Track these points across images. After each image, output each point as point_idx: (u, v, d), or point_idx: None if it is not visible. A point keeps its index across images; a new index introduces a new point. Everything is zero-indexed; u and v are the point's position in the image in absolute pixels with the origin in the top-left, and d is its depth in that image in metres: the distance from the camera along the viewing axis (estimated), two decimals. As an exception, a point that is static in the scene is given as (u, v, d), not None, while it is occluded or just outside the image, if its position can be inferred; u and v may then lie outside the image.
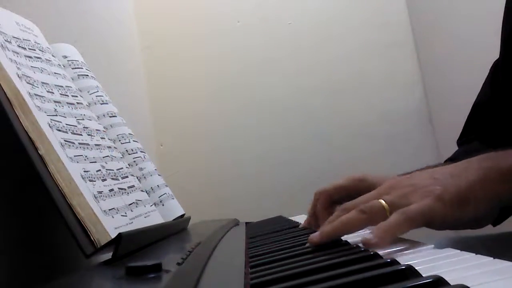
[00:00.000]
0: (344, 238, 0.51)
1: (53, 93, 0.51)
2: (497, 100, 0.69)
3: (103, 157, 0.52)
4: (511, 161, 0.43)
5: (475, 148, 0.72)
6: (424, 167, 0.64)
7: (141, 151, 0.68)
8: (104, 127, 0.60)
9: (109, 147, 0.56)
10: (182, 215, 0.71)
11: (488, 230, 0.65)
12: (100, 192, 0.46)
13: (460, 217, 0.42)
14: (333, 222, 0.43)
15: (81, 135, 0.50)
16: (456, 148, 0.79)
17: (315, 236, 0.42)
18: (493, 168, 0.43)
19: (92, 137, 0.53)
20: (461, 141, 0.79)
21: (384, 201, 0.43)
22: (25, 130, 0.40)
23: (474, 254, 0.32)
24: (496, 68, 0.72)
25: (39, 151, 0.40)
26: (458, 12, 1.38)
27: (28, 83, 0.46)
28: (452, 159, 0.74)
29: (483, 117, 0.74)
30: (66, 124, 0.49)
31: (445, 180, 0.43)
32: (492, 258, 0.30)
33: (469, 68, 1.22)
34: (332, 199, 0.65)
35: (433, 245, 0.37)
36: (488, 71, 0.74)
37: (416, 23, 1.60)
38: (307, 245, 0.43)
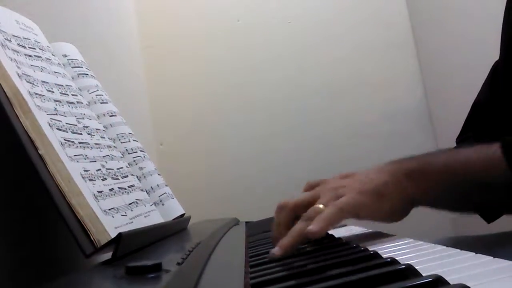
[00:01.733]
0: (335, 233, 0.56)
1: (53, 92, 0.51)
2: (495, 101, 0.69)
3: (103, 156, 0.52)
4: (413, 163, 0.55)
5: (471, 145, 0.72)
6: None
7: (141, 151, 0.68)
8: (104, 126, 0.59)
9: (109, 146, 0.56)
10: (182, 215, 0.71)
11: (488, 229, 0.65)
12: (100, 192, 0.45)
13: (379, 208, 0.51)
14: (290, 233, 0.47)
15: (81, 134, 0.50)
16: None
17: (276, 251, 0.45)
18: (400, 169, 0.54)
19: (92, 136, 0.53)
20: (459, 139, 0.79)
21: (322, 204, 0.50)
22: (25, 129, 0.40)
23: (473, 253, 0.32)
24: (496, 69, 0.72)
25: (38, 151, 0.40)
26: (458, 12, 1.38)
27: (28, 82, 0.46)
28: None
29: (482, 117, 0.74)
30: (66, 123, 0.49)
31: (364, 179, 0.53)
32: (491, 258, 0.30)
33: (469, 68, 1.22)
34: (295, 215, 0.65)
35: (432, 245, 0.37)
36: (488, 71, 0.74)
37: (416, 23, 1.59)
38: (268, 259, 0.45)
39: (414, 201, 0.54)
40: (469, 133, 0.76)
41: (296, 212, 0.53)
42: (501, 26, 0.69)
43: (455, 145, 0.79)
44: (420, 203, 0.55)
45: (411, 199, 0.53)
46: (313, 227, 0.45)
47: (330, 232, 0.61)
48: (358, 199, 0.50)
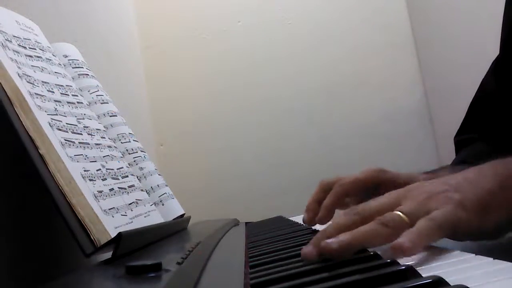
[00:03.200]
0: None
1: (53, 92, 0.51)
2: (496, 97, 0.69)
3: (103, 156, 0.52)
4: None
5: (480, 150, 0.71)
6: (422, 172, 0.62)
7: (141, 151, 0.68)
8: (104, 127, 0.60)
9: (109, 146, 0.56)
10: (182, 215, 0.71)
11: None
12: (100, 192, 0.46)
13: (483, 225, 0.39)
14: (353, 231, 0.37)
15: (81, 134, 0.50)
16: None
17: (333, 243, 0.36)
18: (508, 171, 0.41)
19: (92, 136, 0.53)
20: (459, 138, 0.78)
21: (401, 212, 0.39)
22: (26, 129, 0.40)
23: (473, 255, 0.32)
24: (497, 65, 0.72)
25: (39, 150, 0.40)
26: (458, 12, 1.38)
27: (28, 82, 0.46)
28: (463, 162, 0.72)
29: (483, 114, 0.73)
30: (67, 124, 0.49)
31: (461, 186, 0.40)
32: (492, 259, 0.30)
33: (469, 68, 1.22)
34: (347, 195, 0.62)
35: (432, 246, 0.37)
36: (490, 66, 0.74)
37: (416, 23, 1.60)
38: (321, 253, 0.37)
39: None
40: (472, 133, 0.75)
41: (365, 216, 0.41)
42: (501, 25, 0.69)
43: (453, 145, 0.79)
44: None
45: None
46: (405, 240, 0.34)
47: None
48: (457, 214, 0.38)
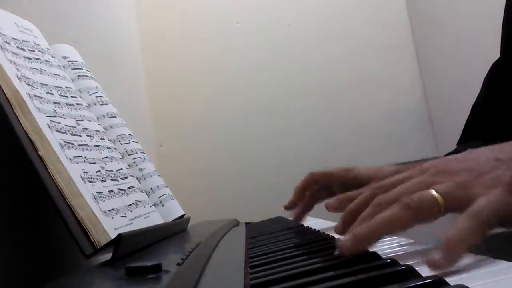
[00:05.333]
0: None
1: (52, 94, 0.51)
2: (495, 101, 0.69)
3: (103, 158, 0.52)
4: None
5: (473, 145, 0.71)
6: (420, 159, 0.62)
7: (140, 152, 0.68)
8: (103, 128, 0.60)
9: (109, 148, 0.56)
10: (182, 216, 0.71)
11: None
12: (99, 193, 0.45)
13: None
14: (369, 222, 0.33)
15: (80, 136, 0.50)
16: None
17: (347, 241, 0.32)
18: None
19: (92, 138, 0.53)
20: (461, 142, 0.79)
21: (436, 191, 0.32)
22: (25, 131, 0.40)
23: (473, 254, 0.32)
24: (496, 68, 0.72)
25: (38, 152, 0.40)
26: (458, 12, 1.38)
27: (27, 84, 0.46)
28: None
29: (482, 118, 0.74)
30: (66, 125, 0.49)
31: (495, 167, 0.33)
32: (492, 258, 0.30)
33: (469, 68, 1.22)
34: (315, 183, 0.64)
35: (433, 245, 0.37)
36: (489, 69, 0.74)
37: (416, 23, 1.60)
38: (336, 253, 0.34)
39: None
40: (471, 134, 0.76)
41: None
42: (501, 26, 0.69)
43: (455, 145, 0.79)
44: None
45: None
46: (445, 257, 0.28)
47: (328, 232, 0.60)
48: (508, 201, 0.31)
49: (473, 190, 0.32)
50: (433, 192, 0.32)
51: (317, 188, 0.67)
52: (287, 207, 0.68)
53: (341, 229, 0.38)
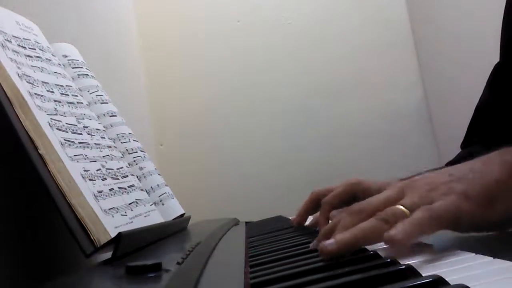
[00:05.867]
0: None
1: (53, 92, 0.51)
2: (497, 104, 0.69)
3: (103, 156, 0.52)
4: None
5: (476, 151, 0.72)
6: (423, 171, 0.63)
7: (141, 151, 0.68)
8: (104, 127, 0.60)
9: (109, 146, 0.56)
10: (182, 215, 0.71)
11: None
12: (100, 192, 0.46)
13: (489, 216, 0.37)
14: (351, 229, 0.37)
15: (81, 134, 0.50)
16: (457, 150, 0.79)
17: (329, 244, 0.35)
18: None
19: (92, 136, 0.53)
20: (464, 145, 0.79)
21: (403, 206, 0.38)
22: (25, 130, 0.40)
23: (474, 254, 0.32)
24: (497, 71, 0.72)
25: (39, 151, 0.40)
26: (458, 12, 1.38)
27: (28, 82, 0.46)
28: (454, 162, 0.73)
29: (485, 120, 0.74)
30: (66, 123, 0.49)
31: (465, 176, 0.39)
32: (492, 258, 0.30)
33: (469, 68, 1.22)
34: (333, 208, 0.65)
35: (433, 245, 0.37)
36: (488, 71, 0.74)
37: (416, 23, 1.60)
38: (318, 254, 0.37)
39: None
40: (474, 138, 0.76)
41: (371, 213, 0.40)
42: (500, 27, 0.69)
43: (456, 147, 0.79)
44: None
45: None
46: (396, 232, 0.33)
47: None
48: (460, 205, 0.36)
49: (432, 197, 0.38)
50: (400, 207, 0.38)
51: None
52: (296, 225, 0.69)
53: (323, 238, 0.41)
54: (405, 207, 0.38)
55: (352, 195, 0.63)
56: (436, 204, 0.36)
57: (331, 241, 0.36)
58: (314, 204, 0.68)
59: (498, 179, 0.38)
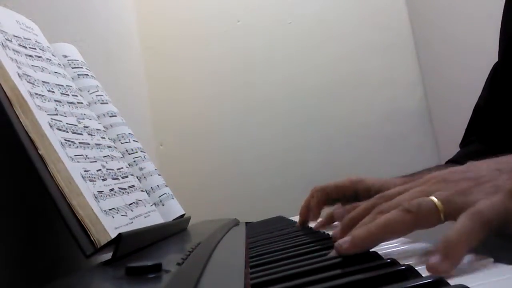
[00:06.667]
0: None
1: (53, 92, 0.51)
2: (496, 103, 0.69)
3: (104, 156, 0.52)
4: None
5: (475, 149, 0.72)
6: (399, 176, 0.63)
7: (141, 151, 0.68)
8: (104, 127, 0.60)
9: (109, 146, 0.56)
10: (182, 215, 0.71)
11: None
12: (100, 192, 0.45)
13: None
14: (368, 225, 0.34)
15: (81, 134, 0.50)
16: (457, 150, 0.79)
17: (344, 242, 0.32)
18: None
19: (93, 136, 0.53)
20: (463, 144, 0.79)
21: (436, 197, 0.32)
22: (25, 130, 0.40)
23: (474, 254, 0.32)
24: (496, 71, 0.72)
25: (39, 151, 0.40)
26: (458, 12, 1.38)
27: (28, 82, 0.46)
28: (454, 161, 0.74)
29: (484, 120, 0.74)
30: (67, 124, 0.49)
31: (490, 177, 0.34)
32: (492, 259, 0.30)
33: (469, 68, 1.22)
34: (328, 197, 0.65)
35: (433, 246, 0.37)
36: (488, 71, 0.74)
37: (416, 23, 1.60)
38: (331, 254, 0.35)
39: None
40: (473, 137, 0.76)
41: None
42: (500, 27, 0.69)
43: (456, 147, 0.80)
44: None
45: None
46: (446, 260, 0.28)
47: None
48: (509, 206, 0.31)
49: (473, 196, 0.32)
50: (433, 198, 0.32)
51: (325, 200, 0.67)
52: (306, 225, 0.69)
53: (340, 235, 0.38)
54: (440, 200, 0.32)
55: (353, 191, 0.63)
56: (482, 206, 0.30)
57: (346, 239, 0.33)
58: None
59: None
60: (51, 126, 0.45)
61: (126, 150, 0.64)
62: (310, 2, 1.62)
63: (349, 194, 0.64)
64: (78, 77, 0.63)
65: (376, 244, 0.34)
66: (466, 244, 0.29)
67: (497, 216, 0.30)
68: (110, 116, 0.64)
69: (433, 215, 0.31)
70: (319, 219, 0.67)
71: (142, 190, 0.58)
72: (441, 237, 0.29)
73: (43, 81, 0.50)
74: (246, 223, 0.95)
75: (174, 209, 0.69)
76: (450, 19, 1.43)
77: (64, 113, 0.50)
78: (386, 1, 1.62)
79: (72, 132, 0.49)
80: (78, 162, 0.45)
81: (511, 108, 0.65)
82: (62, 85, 0.54)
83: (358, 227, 0.36)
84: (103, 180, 0.48)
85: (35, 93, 0.46)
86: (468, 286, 0.23)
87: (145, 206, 0.56)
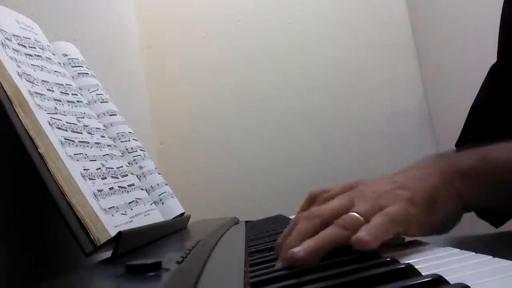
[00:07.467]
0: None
1: (53, 91, 0.51)
2: (493, 103, 0.69)
3: (103, 155, 0.52)
4: (465, 159, 0.45)
5: (473, 147, 0.72)
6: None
7: (141, 150, 0.68)
8: (104, 126, 0.60)
9: (109, 145, 0.56)
10: (182, 214, 0.71)
11: (488, 229, 0.65)
12: (100, 191, 0.45)
13: (432, 220, 0.41)
14: (316, 237, 0.39)
15: (81, 133, 0.50)
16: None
17: (299, 252, 0.37)
18: (451, 167, 0.44)
19: (92, 135, 0.53)
20: (458, 144, 0.79)
21: (357, 213, 0.40)
22: (25, 128, 0.40)
23: (473, 253, 0.32)
24: (493, 71, 0.72)
25: (38, 149, 0.40)
26: (458, 12, 1.38)
27: (28, 81, 0.46)
28: None
29: (480, 120, 0.74)
30: (66, 122, 0.49)
31: (408, 183, 0.43)
32: (491, 257, 0.30)
33: (469, 68, 1.22)
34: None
35: (432, 244, 0.37)
36: (487, 72, 0.74)
37: (416, 23, 1.60)
38: (280, 265, 0.38)
39: (468, 206, 0.44)
40: (469, 136, 0.76)
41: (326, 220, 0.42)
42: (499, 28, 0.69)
43: (453, 144, 0.80)
44: (473, 207, 0.47)
45: (464, 203, 0.43)
46: (365, 234, 0.35)
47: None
48: (410, 210, 0.39)
49: (382, 203, 0.40)
50: (355, 214, 0.40)
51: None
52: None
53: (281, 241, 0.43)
54: (360, 214, 0.40)
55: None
56: (389, 209, 0.39)
57: (299, 248, 0.37)
58: (311, 204, 0.67)
59: (436, 186, 0.42)
60: (50, 125, 0.45)
61: (126, 148, 0.64)
62: (310, 2, 1.62)
63: None
64: (78, 76, 0.63)
65: (323, 253, 0.38)
66: (381, 232, 0.37)
67: (400, 217, 0.39)
68: (110, 115, 0.64)
69: (359, 224, 0.39)
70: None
71: (142, 189, 0.58)
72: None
73: (42, 80, 0.50)
74: (246, 221, 0.95)
75: (174, 208, 0.69)
76: (450, 19, 1.43)
77: (64, 112, 0.50)
78: (386, 1, 1.62)
79: (72, 131, 0.49)
80: (77, 160, 0.45)
81: (510, 108, 0.65)
82: (62, 84, 0.54)
83: (296, 234, 0.42)
84: (103, 178, 0.48)
85: (34, 92, 0.46)
86: (468, 285, 0.23)
87: (144, 204, 0.56)
